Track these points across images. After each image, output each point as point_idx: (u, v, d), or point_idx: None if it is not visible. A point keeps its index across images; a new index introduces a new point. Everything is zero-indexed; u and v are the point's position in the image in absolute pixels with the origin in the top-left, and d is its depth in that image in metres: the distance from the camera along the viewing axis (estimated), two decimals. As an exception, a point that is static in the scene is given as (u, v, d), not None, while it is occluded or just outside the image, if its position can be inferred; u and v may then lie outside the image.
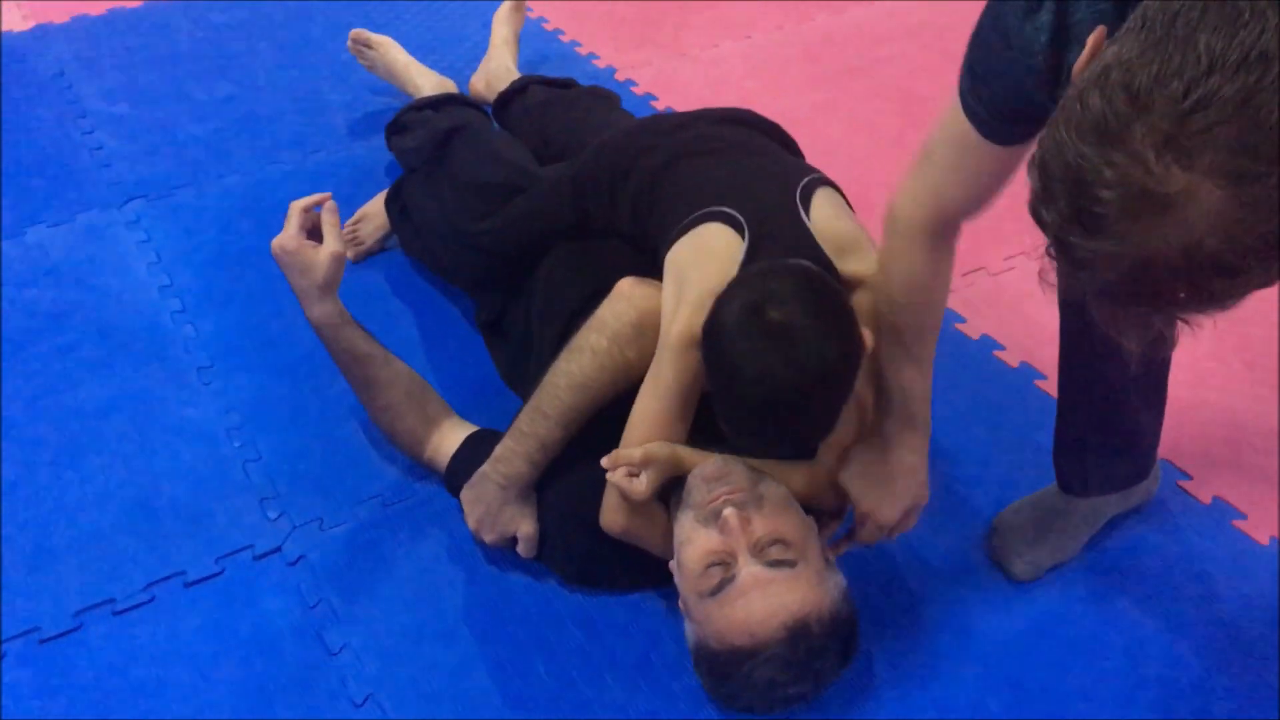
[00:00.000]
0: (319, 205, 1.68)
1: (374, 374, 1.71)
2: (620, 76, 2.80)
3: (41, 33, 3.05)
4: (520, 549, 1.63)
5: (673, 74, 2.82)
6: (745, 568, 1.39)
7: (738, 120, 1.84)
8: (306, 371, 1.96)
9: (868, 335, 1.39)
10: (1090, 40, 0.85)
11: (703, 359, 1.40)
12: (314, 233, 1.68)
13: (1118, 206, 0.76)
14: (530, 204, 1.88)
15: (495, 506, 1.60)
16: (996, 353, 2.02)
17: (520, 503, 1.60)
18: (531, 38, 2.86)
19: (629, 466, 1.46)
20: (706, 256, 1.52)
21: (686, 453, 1.51)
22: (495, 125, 2.34)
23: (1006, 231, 1.82)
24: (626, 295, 1.56)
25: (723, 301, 1.36)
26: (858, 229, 1.58)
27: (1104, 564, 1.69)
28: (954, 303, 2.10)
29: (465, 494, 1.63)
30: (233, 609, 1.62)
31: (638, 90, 2.74)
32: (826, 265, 1.49)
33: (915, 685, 1.53)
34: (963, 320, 2.08)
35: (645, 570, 1.59)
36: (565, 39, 2.98)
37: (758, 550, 1.40)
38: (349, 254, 2.14)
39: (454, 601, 1.64)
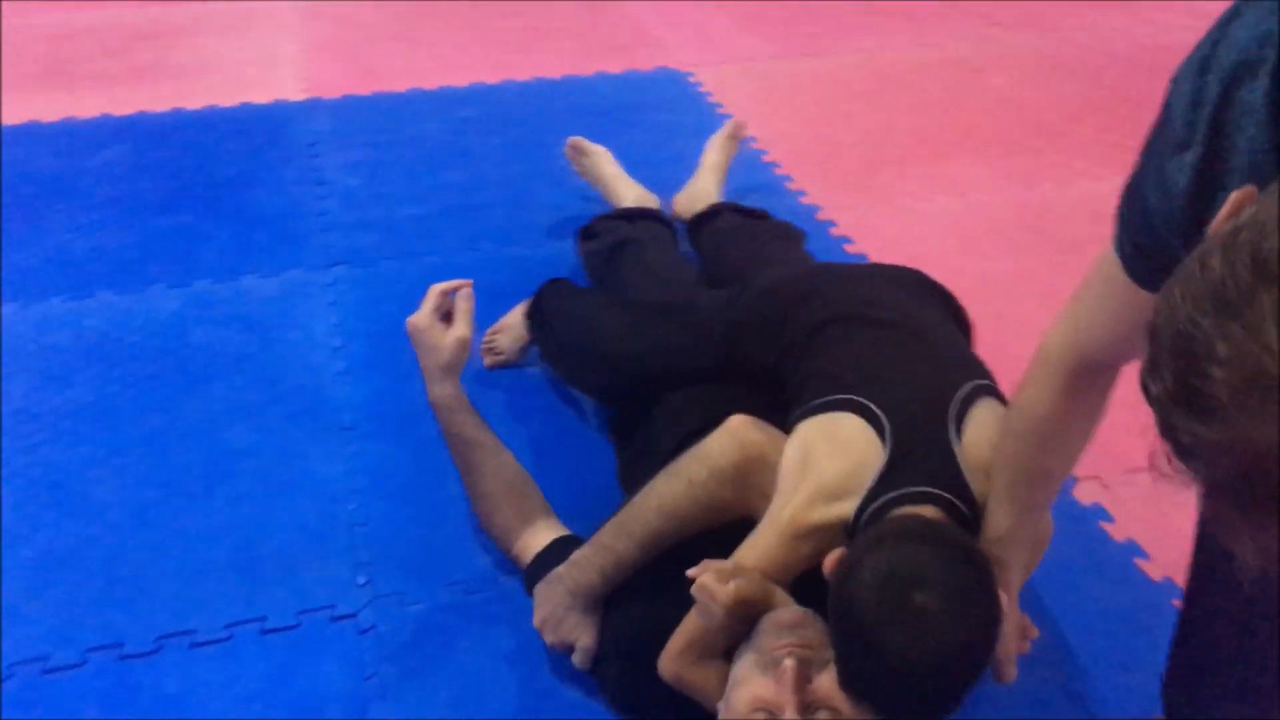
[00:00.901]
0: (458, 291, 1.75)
1: (480, 461, 1.74)
2: (821, 216, 2.79)
3: (311, 105, 3.35)
4: (575, 659, 1.60)
5: (875, 221, 2.79)
6: None
7: (907, 282, 1.79)
8: (434, 449, 2.01)
9: (1004, 599, 1.32)
10: (1231, 198, 0.74)
11: (831, 616, 1.32)
12: (450, 317, 1.74)
13: (1229, 388, 0.65)
14: (680, 337, 1.87)
15: (561, 611, 1.58)
16: (1139, 560, 1.85)
17: (584, 613, 1.58)
18: (747, 166, 2.90)
19: (718, 573, 1.42)
20: (839, 449, 1.46)
21: (774, 590, 1.45)
22: (679, 246, 2.38)
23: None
24: (734, 433, 1.53)
25: (860, 564, 1.28)
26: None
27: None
28: (1107, 501, 1.95)
29: (537, 590, 1.62)
30: (296, 664, 1.67)
31: (835, 232, 2.72)
32: (968, 500, 1.41)
33: None
34: (1110, 520, 1.92)
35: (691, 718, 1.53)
36: (779, 172, 3.00)
37: (807, 711, 1.32)
38: (485, 361, 2.21)
39: (502, 705, 1.62)
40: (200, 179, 2.95)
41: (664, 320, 1.92)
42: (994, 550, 1.38)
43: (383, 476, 2.00)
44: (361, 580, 1.80)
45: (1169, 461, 0.72)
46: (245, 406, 2.16)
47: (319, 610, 1.75)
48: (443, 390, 1.71)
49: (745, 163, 2.86)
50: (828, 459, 1.45)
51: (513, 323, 2.25)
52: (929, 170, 3.03)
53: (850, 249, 2.65)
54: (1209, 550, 1.37)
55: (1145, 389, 0.72)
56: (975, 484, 1.42)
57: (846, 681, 1.31)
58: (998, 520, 1.40)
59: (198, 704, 1.61)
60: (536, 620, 1.62)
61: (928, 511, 1.37)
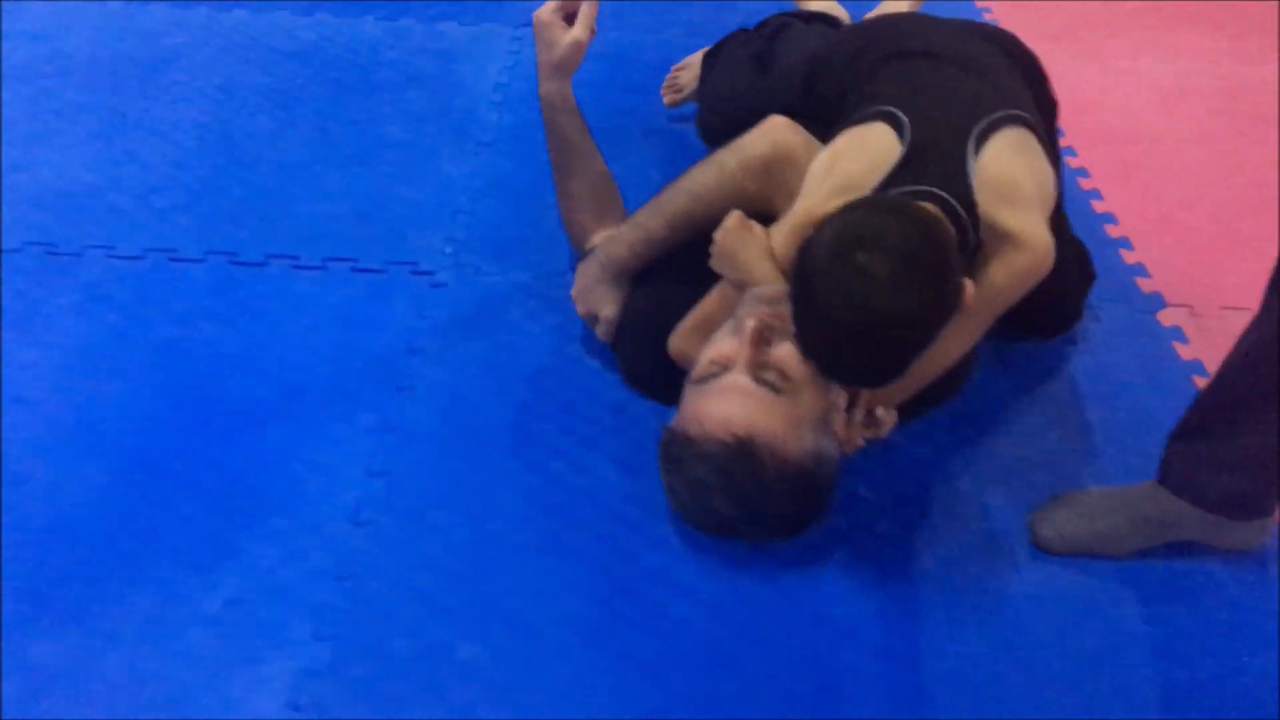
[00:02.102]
0: None
1: (571, 162, 1.87)
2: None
3: None
4: (599, 330, 1.73)
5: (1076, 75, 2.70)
6: (735, 373, 1.42)
7: (993, 37, 1.78)
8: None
9: (968, 290, 1.36)
10: None
11: (792, 269, 1.41)
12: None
13: None
14: (775, 80, 1.96)
15: (591, 282, 1.71)
16: (1198, 378, 1.80)
17: (612, 285, 1.70)
18: None
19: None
20: (860, 151, 1.52)
21: (774, 270, 1.52)
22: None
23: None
24: (769, 130, 1.61)
25: (826, 224, 1.36)
26: (1032, 180, 1.50)
27: (1150, 578, 1.49)
28: (1190, 329, 1.91)
29: (579, 266, 1.76)
30: (372, 296, 1.89)
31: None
32: (968, 207, 1.45)
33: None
34: (1184, 342, 1.87)
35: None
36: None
37: (757, 368, 1.42)
38: (665, 99, 2.33)
39: (523, 371, 1.77)
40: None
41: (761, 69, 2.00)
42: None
43: (499, 182, 2.19)
44: (449, 250, 2.00)
45: None
46: (408, 112, 2.38)
47: (404, 263, 1.97)
48: (549, 86, 1.83)
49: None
50: (849, 160, 1.51)
51: (693, 61, 2.36)
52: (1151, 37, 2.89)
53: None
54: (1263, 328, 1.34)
55: None
56: (983, 198, 1.45)
57: (798, 338, 1.39)
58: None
59: (283, 308, 1.85)
60: (573, 291, 1.76)
61: (927, 208, 1.41)
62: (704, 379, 1.46)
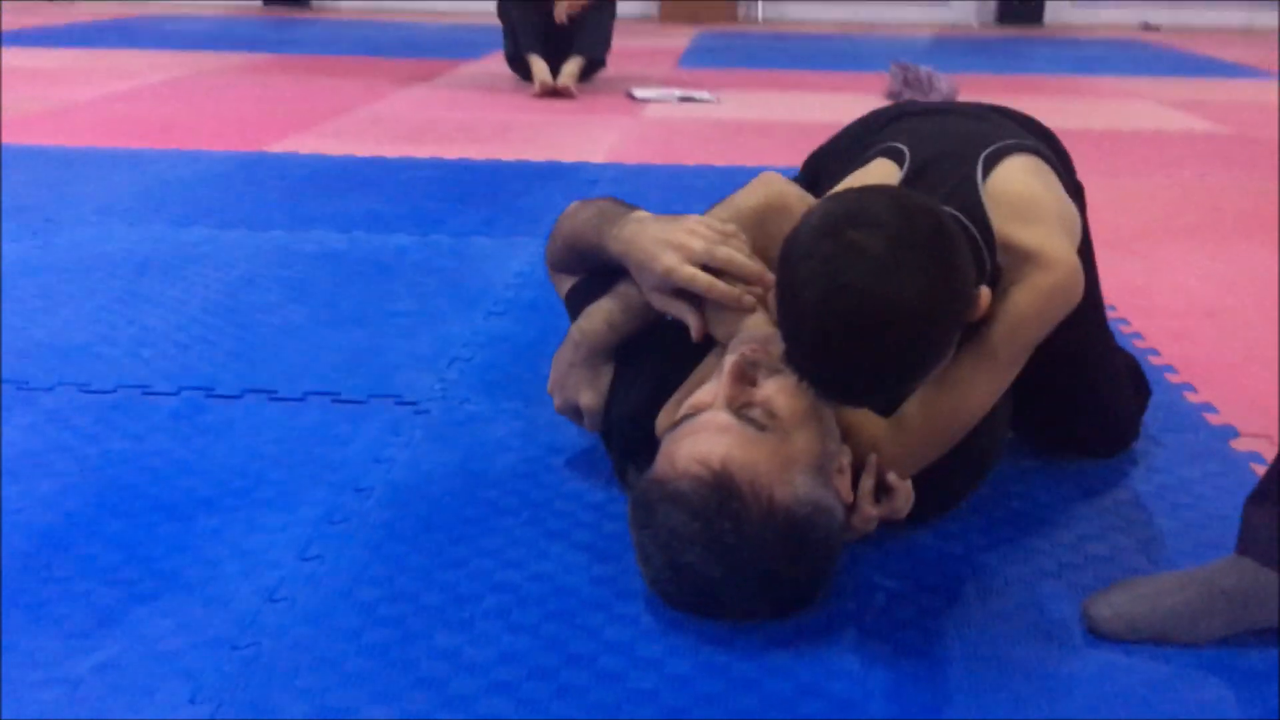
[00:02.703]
0: None
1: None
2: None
3: (606, 165, 3.63)
4: (584, 422, 1.54)
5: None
6: (713, 411, 1.22)
7: (1009, 113, 1.68)
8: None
9: (984, 299, 1.20)
10: None
11: (777, 261, 1.27)
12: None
13: None
14: None
15: (565, 368, 1.54)
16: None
17: (590, 369, 1.52)
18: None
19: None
20: (856, 181, 1.41)
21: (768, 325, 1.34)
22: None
23: None
24: (765, 182, 1.49)
25: (811, 210, 1.22)
26: (1052, 199, 1.37)
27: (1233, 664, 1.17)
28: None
29: (554, 356, 1.60)
30: (349, 424, 1.73)
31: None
32: (979, 221, 1.31)
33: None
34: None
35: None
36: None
37: (739, 405, 1.22)
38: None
39: (498, 484, 1.58)
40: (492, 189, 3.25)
41: None
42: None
43: (502, 338, 2.09)
44: (438, 386, 1.86)
45: None
46: (423, 292, 2.33)
47: (388, 396, 1.82)
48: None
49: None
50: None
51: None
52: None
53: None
54: None
55: None
56: (998, 217, 1.30)
57: (783, 339, 1.19)
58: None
59: (247, 430, 1.70)
60: (549, 385, 1.59)
61: (932, 201, 1.24)
62: (677, 424, 1.26)
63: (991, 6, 9.81)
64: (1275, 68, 6.41)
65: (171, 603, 1.27)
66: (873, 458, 1.30)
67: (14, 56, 5.82)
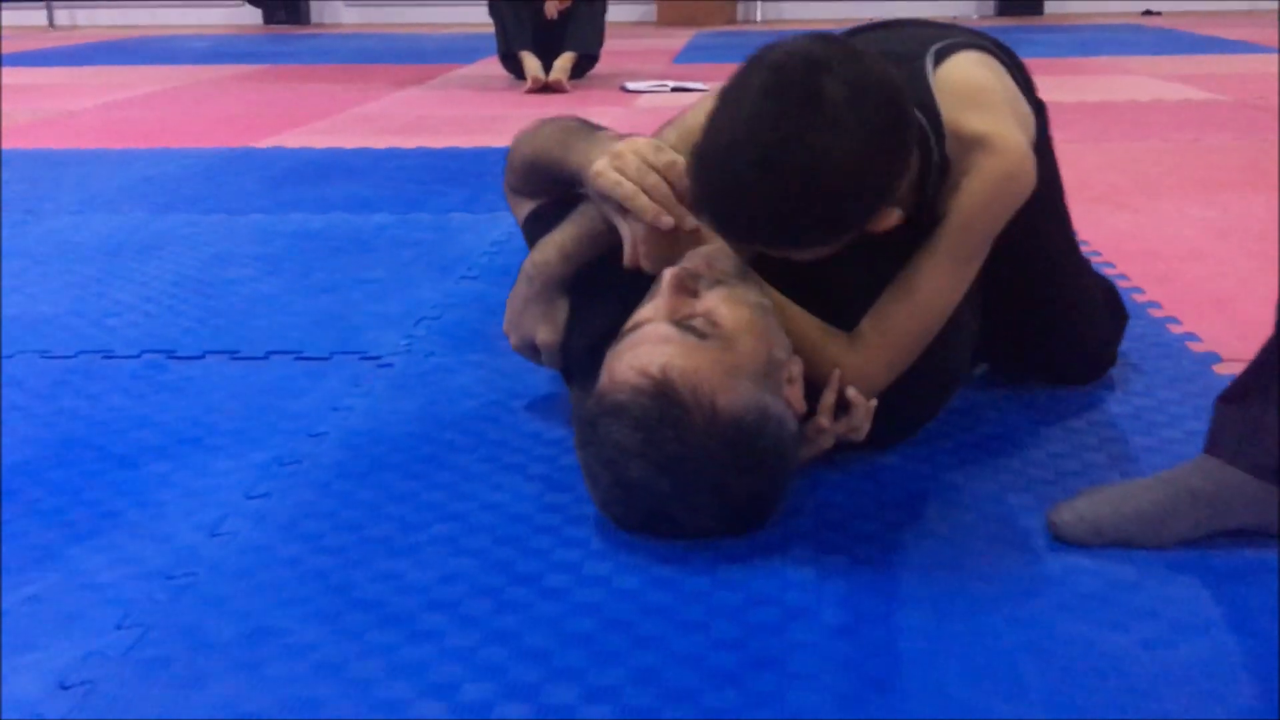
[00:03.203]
0: None
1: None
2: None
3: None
4: (542, 359, 1.49)
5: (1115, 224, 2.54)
6: (653, 324, 1.18)
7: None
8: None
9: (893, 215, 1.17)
10: None
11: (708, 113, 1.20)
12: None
13: None
14: None
15: (519, 304, 1.49)
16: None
17: (544, 303, 1.47)
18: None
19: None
20: None
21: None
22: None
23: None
24: (714, 92, 1.46)
25: (754, 54, 1.17)
26: (1000, 89, 1.32)
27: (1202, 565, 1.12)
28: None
29: (509, 296, 1.55)
30: (311, 379, 1.70)
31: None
32: (928, 110, 1.27)
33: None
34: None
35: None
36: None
37: (680, 318, 1.18)
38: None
39: (463, 434, 1.55)
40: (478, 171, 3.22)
41: None
42: None
43: (474, 299, 2.06)
44: (404, 342, 1.83)
45: None
46: (398, 261, 2.30)
47: (352, 352, 1.79)
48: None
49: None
50: None
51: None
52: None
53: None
54: None
55: None
56: (946, 104, 1.26)
57: (692, 185, 1.17)
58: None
59: (206, 387, 1.67)
60: (504, 324, 1.54)
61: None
62: (619, 340, 1.22)
63: (991, -1, 9.77)
64: (1272, 42, 6.34)
65: (110, 540, 1.23)
66: (836, 372, 1.26)
67: (12, 75, 5.84)
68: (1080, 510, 1.17)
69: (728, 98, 1.13)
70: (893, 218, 1.18)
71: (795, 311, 1.30)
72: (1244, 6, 9.71)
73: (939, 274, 1.25)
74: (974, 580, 1.12)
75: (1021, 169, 1.23)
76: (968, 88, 1.26)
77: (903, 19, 1.51)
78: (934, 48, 1.31)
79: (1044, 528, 1.21)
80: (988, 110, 1.25)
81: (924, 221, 1.26)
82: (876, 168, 1.11)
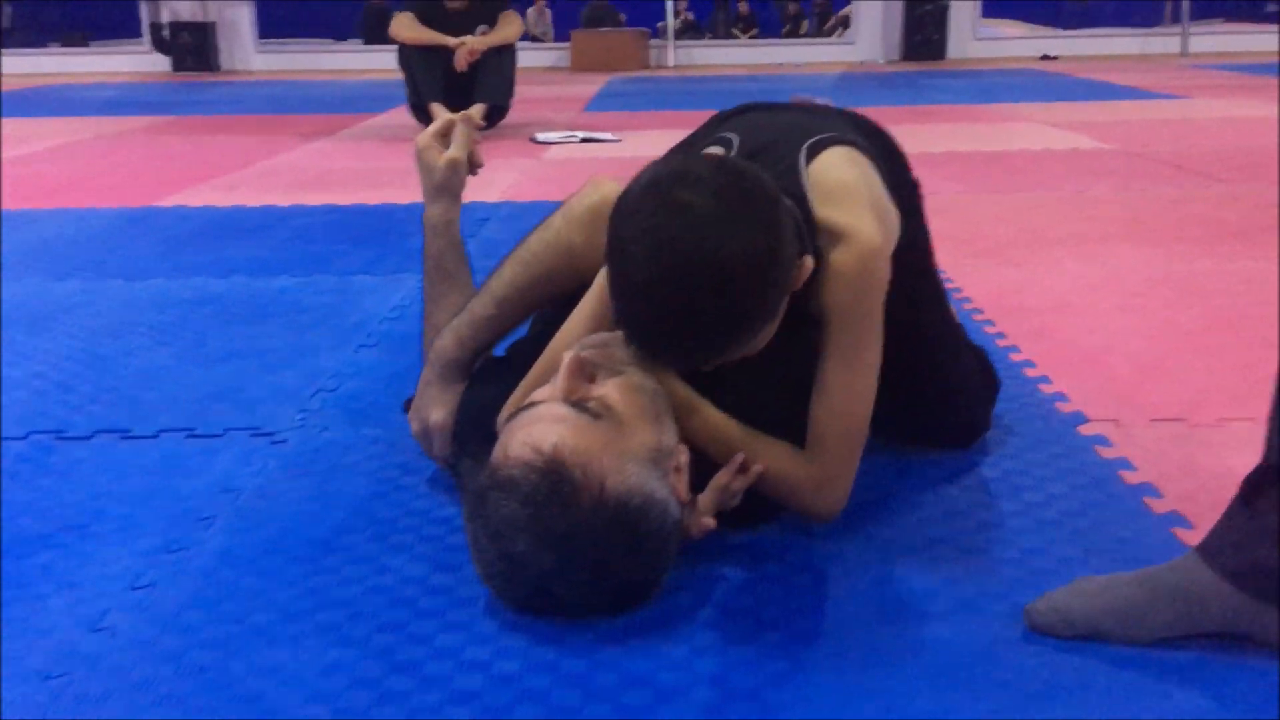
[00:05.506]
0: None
1: (443, 293, 1.70)
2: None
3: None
4: (433, 446, 1.52)
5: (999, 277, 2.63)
6: (549, 404, 1.22)
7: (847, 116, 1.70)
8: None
9: (806, 266, 1.23)
10: None
11: (608, 227, 1.25)
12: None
13: None
14: None
15: (421, 387, 1.53)
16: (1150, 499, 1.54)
17: (440, 387, 1.51)
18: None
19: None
20: None
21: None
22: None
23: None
24: (596, 182, 1.50)
25: (639, 173, 1.24)
26: (860, 187, 1.38)
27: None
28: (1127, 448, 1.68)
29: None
30: (203, 459, 1.69)
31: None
32: (802, 203, 1.32)
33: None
34: (1130, 468, 1.61)
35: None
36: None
37: (576, 399, 1.22)
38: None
39: (350, 518, 1.56)
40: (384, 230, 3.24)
41: None
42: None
43: (372, 369, 2.07)
44: (299, 416, 1.84)
45: None
46: (297, 326, 2.30)
47: (245, 429, 1.79)
48: (432, 211, 1.72)
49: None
50: None
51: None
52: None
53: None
54: None
55: None
56: (817, 199, 1.32)
57: (614, 309, 1.22)
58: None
59: (93, 470, 1.66)
60: (410, 412, 1.57)
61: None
62: (514, 416, 1.26)
63: (896, 44, 10.04)
64: (1162, 88, 6.60)
65: (-18, 636, 1.23)
66: (738, 456, 1.31)
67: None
68: (1054, 600, 1.19)
69: (616, 236, 1.18)
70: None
71: (761, 438, 1.34)
72: (1135, 45, 10.09)
73: (845, 373, 1.31)
74: (850, 654, 1.16)
75: (871, 251, 1.29)
76: (834, 186, 1.32)
77: (786, 104, 1.57)
78: (807, 143, 1.37)
79: (915, 597, 1.25)
80: (850, 205, 1.30)
81: (808, 311, 1.30)
82: (771, 255, 1.16)
